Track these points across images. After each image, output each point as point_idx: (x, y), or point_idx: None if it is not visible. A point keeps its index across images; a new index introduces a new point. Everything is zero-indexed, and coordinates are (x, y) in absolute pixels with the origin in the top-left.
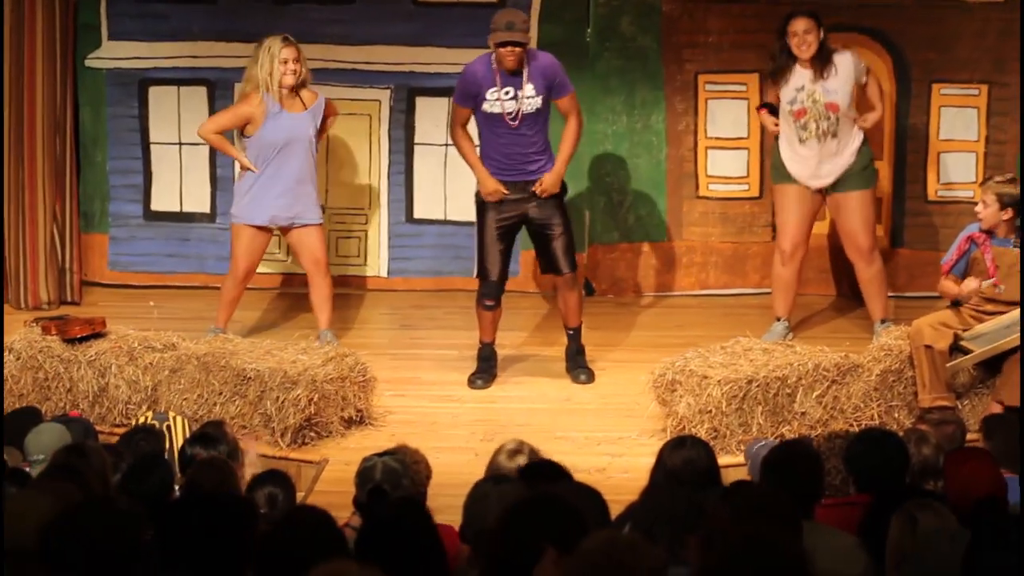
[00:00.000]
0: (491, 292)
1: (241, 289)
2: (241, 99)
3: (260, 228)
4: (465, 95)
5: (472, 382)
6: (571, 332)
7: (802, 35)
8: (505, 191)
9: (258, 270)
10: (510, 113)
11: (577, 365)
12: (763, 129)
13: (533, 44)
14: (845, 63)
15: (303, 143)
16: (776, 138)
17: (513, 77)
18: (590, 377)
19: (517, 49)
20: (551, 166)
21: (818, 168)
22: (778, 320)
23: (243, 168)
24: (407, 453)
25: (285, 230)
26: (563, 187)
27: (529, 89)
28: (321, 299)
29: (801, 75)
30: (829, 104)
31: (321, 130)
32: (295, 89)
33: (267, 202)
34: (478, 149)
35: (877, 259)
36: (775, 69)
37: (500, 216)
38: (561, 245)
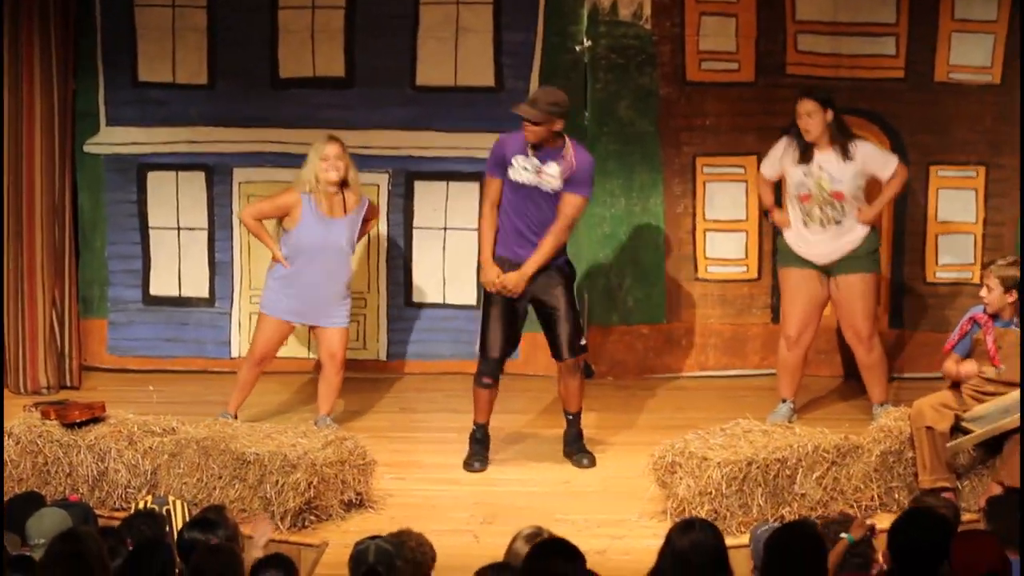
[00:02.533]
0: (489, 370)
1: (255, 374)
2: (285, 191)
3: (282, 321)
4: (494, 162)
5: (469, 465)
6: (571, 417)
7: (804, 117)
8: (505, 286)
9: None
10: (528, 184)
11: (578, 450)
12: (761, 212)
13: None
14: (863, 153)
15: (339, 251)
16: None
17: (542, 154)
18: (591, 461)
19: (532, 127)
20: (560, 259)
21: (821, 248)
22: (783, 401)
23: (277, 260)
24: (410, 537)
25: (314, 328)
26: (572, 270)
27: (553, 168)
28: (327, 389)
29: (816, 157)
30: (834, 193)
31: (361, 232)
32: (340, 187)
33: (291, 299)
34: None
35: (876, 345)
36: (799, 150)
37: (506, 298)
38: (565, 331)
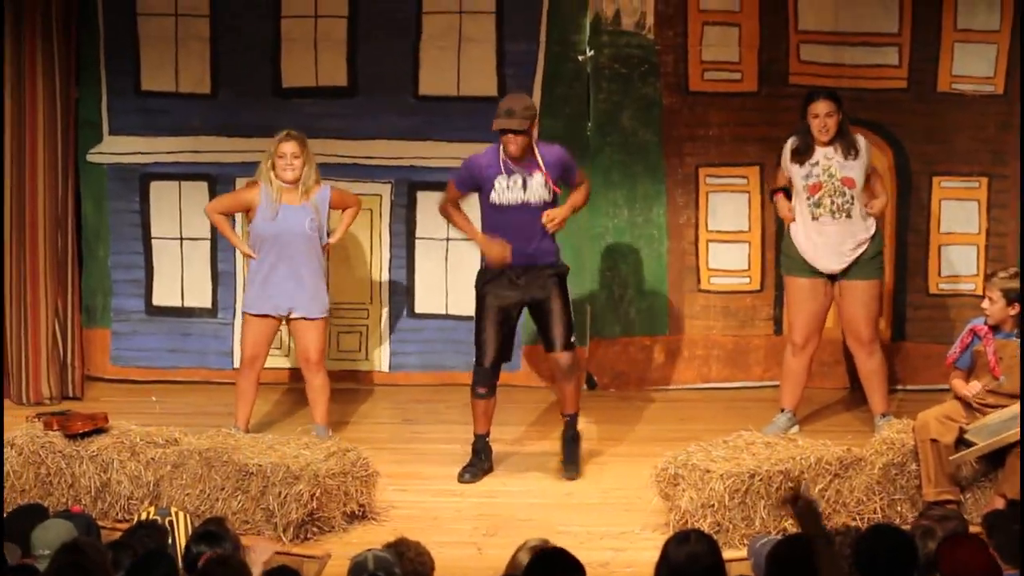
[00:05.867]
0: (482, 379)
1: (251, 380)
2: (246, 185)
3: (264, 317)
4: (465, 181)
5: (460, 476)
6: (567, 418)
7: (823, 117)
8: (509, 258)
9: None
10: (518, 202)
11: (568, 459)
12: (764, 223)
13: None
14: (863, 145)
15: (299, 236)
16: (788, 227)
17: (522, 166)
18: (575, 473)
19: (517, 137)
20: (550, 244)
21: (830, 250)
22: (782, 411)
23: (243, 254)
24: (408, 547)
25: (289, 321)
26: (565, 269)
27: (539, 179)
28: (314, 394)
29: (818, 152)
30: (845, 179)
31: (345, 223)
32: (298, 184)
33: (267, 292)
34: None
35: (877, 351)
36: (799, 149)
37: (499, 300)
38: (558, 324)
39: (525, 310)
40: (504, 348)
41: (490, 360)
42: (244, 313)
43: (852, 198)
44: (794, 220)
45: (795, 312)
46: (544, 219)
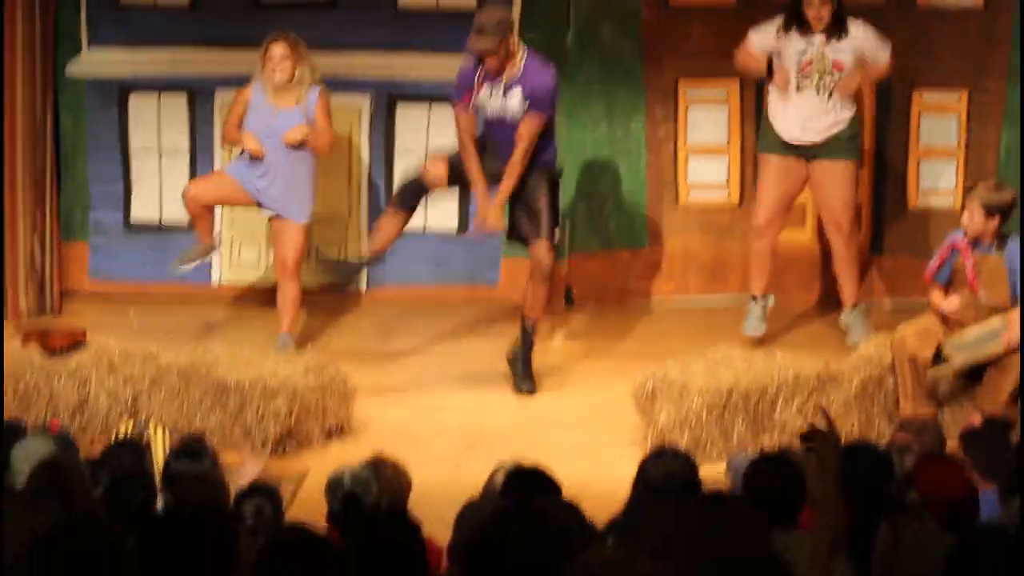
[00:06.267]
0: (407, 193)
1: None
2: (239, 92)
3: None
4: (459, 87)
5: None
6: (527, 327)
7: (818, 7)
8: (494, 222)
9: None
10: (497, 114)
11: (522, 373)
12: (744, 137)
13: None
14: (859, 31)
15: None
16: (767, 101)
17: (500, 80)
18: (531, 387)
19: (492, 56)
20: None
21: (808, 121)
22: (753, 299)
23: (250, 149)
24: (386, 464)
25: (271, 221)
26: (558, 172)
27: (518, 95)
28: (282, 302)
29: (810, 36)
30: (835, 62)
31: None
32: (291, 84)
33: (253, 174)
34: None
35: (855, 240)
36: (795, 22)
37: (489, 165)
38: (543, 216)
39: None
40: (456, 174)
41: (436, 173)
42: (270, 220)
43: (839, 79)
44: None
45: (765, 191)
46: (475, 222)
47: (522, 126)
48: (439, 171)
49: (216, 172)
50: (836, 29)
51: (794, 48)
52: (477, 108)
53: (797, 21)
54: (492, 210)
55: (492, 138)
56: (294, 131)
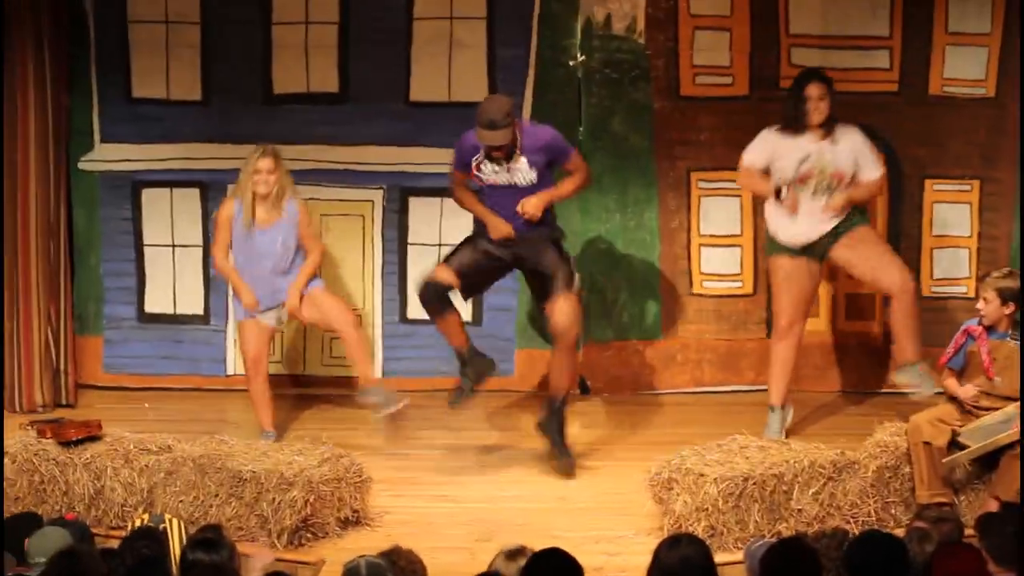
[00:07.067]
0: (431, 295)
1: (260, 381)
2: (222, 207)
3: (257, 319)
4: (461, 162)
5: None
6: (555, 404)
7: (816, 100)
8: (526, 210)
9: None
10: (506, 184)
11: (559, 451)
12: (756, 227)
13: None
14: (850, 137)
15: (269, 255)
16: (765, 208)
17: (504, 155)
18: (570, 469)
19: (502, 146)
20: (543, 222)
21: (811, 217)
22: (771, 410)
23: (245, 304)
24: (401, 554)
25: (294, 313)
26: (559, 232)
27: (523, 164)
28: (353, 349)
29: (807, 138)
30: (835, 173)
31: (304, 274)
32: (269, 197)
33: (255, 294)
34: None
35: (915, 287)
36: (790, 121)
37: (488, 243)
38: (559, 276)
39: (520, 281)
40: (470, 278)
41: (448, 276)
42: (239, 322)
43: (837, 188)
44: (772, 194)
45: (779, 293)
46: (519, 208)
47: (569, 165)
48: (447, 274)
49: (241, 329)
50: (831, 126)
51: (793, 155)
52: (482, 183)
53: (795, 119)
54: (531, 199)
55: (497, 205)
56: (293, 298)
